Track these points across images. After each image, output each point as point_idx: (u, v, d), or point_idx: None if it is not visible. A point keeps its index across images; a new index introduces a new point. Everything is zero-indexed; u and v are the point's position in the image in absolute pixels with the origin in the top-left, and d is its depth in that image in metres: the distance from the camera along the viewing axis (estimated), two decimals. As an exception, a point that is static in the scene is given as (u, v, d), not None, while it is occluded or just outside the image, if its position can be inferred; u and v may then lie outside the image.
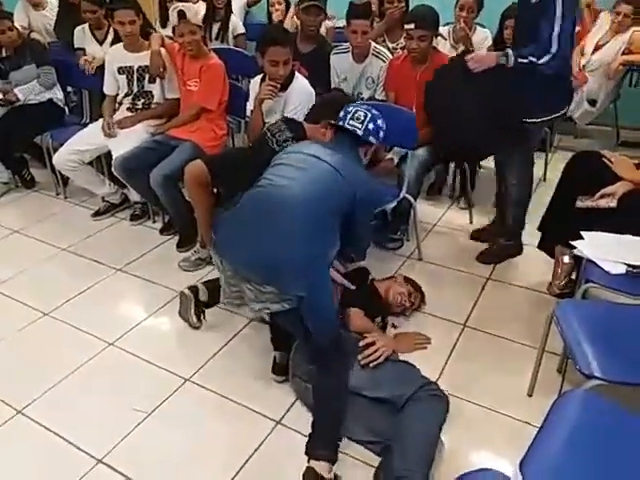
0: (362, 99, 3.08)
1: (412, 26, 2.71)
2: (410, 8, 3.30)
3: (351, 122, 1.99)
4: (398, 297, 2.34)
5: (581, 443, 1.29)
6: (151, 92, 3.26)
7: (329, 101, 2.48)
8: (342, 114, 2.03)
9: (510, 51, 2.37)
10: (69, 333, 2.39)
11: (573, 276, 2.43)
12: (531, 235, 2.67)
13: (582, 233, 2.05)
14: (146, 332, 2.41)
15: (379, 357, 1.89)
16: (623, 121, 4.15)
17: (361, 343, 1.95)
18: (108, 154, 3.17)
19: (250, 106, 2.83)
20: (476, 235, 3.02)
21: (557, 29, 2.26)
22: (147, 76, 3.21)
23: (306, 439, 1.76)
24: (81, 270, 2.85)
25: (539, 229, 2.54)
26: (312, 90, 2.80)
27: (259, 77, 2.84)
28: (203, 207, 2.39)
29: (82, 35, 3.67)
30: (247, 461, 1.79)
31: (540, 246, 2.57)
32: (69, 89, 3.97)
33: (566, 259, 2.40)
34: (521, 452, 1.24)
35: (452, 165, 3.48)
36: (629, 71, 3.91)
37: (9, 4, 4.20)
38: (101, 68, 3.38)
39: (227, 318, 2.45)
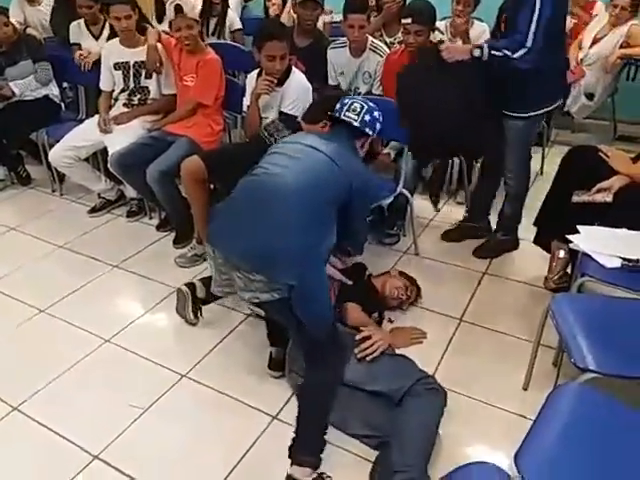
0: (359, 94, 3.07)
1: (409, 20, 2.70)
2: (407, 2, 3.29)
3: (347, 114, 1.98)
4: (395, 291, 2.34)
5: (576, 435, 1.30)
6: (147, 88, 3.25)
7: (326, 100, 2.47)
8: (338, 106, 2.02)
9: (485, 44, 2.37)
10: (65, 330, 2.39)
11: (569, 270, 2.44)
12: (527, 230, 2.67)
13: (578, 227, 2.05)
14: (142, 328, 2.41)
15: (375, 351, 1.89)
16: (621, 115, 4.15)
17: (357, 337, 1.95)
18: (104, 150, 3.16)
19: (247, 101, 2.82)
20: (445, 237, 3.00)
21: (535, 23, 2.21)
22: (143, 72, 3.20)
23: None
24: (77, 267, 2.85)
25: (535, 224, 2.55)
26: (309, 85, 2.79)
27: (256, 72, 2.83)
28: (199, 203, 2.39)
29: (78, 30, 3.65)
30: (244, 456, 1.79)
31: (536, 241, 2.58)
32: (65, 85, 3.96)
33: (562, 254, 2.41)
34: (517, 445, 1.25)
35: (450, 161, 3.48)
36: (627, 65, 3.90)
37: (4, -1, 4.19)
38: (97, 64, 3.37)
39: (224, 314, 2.45)
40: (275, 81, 2.65)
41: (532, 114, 2.48)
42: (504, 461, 1.59)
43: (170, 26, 2.97)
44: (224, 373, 2.12)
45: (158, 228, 3.19)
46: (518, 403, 1.95)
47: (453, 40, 3.46)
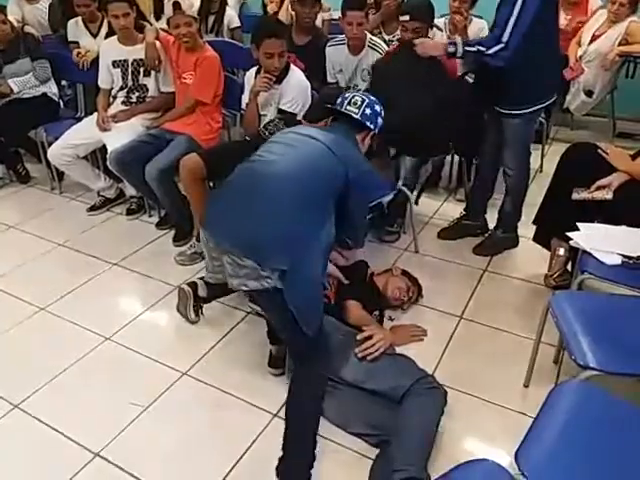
0: (358, 91, 3.07)
1: (407, 18, 2.70)
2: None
3: (348, 107, 1.97)
4: (396, 292, 2.34)
5: (576, 433, 1.30)
6: (146, 85, 3.24)
7: (327, 97, 2.47)
8: (339, 100, 2.01)
9: (459, 39, 2.37)
10: (65, 328, 2.39)
11: (569, 268, 2.44)
12: (527, 227, 2.67)
13: (578, 224, 2.05)
14: (143, 326, 2.41)
15: (376, 351, 1.89)
16: (620, 112, 4.15)
17: (358, 337, 1.95)
18: (103, 148, 3.16)
19: (245, 99, 2.82)
20: (441, 235, 3.00)
21: (513, 20, 2.20)
22: (142, 69, 3.19)
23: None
24: (77, 265, 2.85)
25: (534, 222, 2.54)
26: (308, 83, 2.79)
27: (254, 69, 2.83)
28: (198, 201, 2.40)
29: (75, 28, 3.65)
30: (245, 453, 1.80)
31: (535, 239, 2.58)
32: (63, 83, 3.95)
33: (561, 251, 2.41)
34: (517, 442, 1.25)
35: (448, 158, 3.48)
36: (626, 62, 3.89)
37: (2, -3, 4.17)
38: (95, 62, 3.37)
39: (224, 312, 2.45)
40: (274, 78, 2.65)
41: (526, 111, 2.47)
42: (505, 458, 1.59)
43: (168, 24, 2.97)
44: (224, 371, 2.12)
45: (158, 226, 3.18)
46: (519, 400, 1.96)
47: (452, 37, 3.47)
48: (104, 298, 2.59)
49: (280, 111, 2.70)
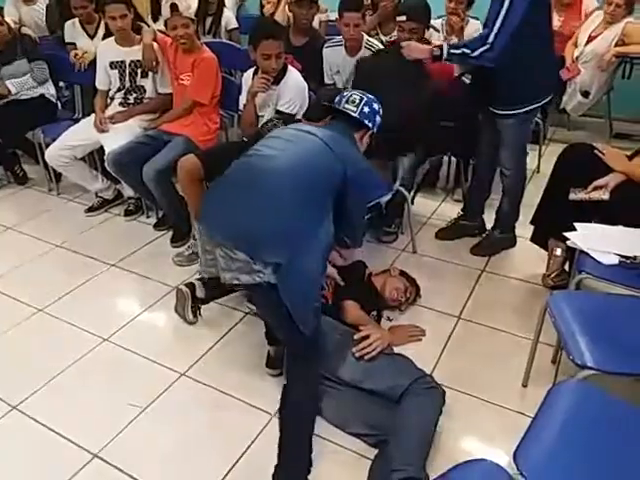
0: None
1: (404, 18, 2.71)
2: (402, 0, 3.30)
3: (346, 105, 1.97)
4: (394, 292, 2.34)
5: (575, 432, 1.31)
6: (143, 87, 3.24)
7: (326, 96, 2.47)
8: (337, 99, 2.01)
9: (445, 44, 2.38)
10: (63, 329, 2.39)
11: (567, 268, 2.45)
12: (525, 227, 2.68)
13: (575, 224, 2.05)
14: (141, 327, 2.41)
15: (373, 350, 1.89)
16: (616, 113, 4.16)
17: (356, 336, 1.95)
18: (101, 149, 3.16)
19: (243, 100, 2.82)
20: (438, 235, 3.00)
21: (500, 21, 2.20)
22: (139, 71, 3.19)
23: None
24: (75, 266, 2.84)
25: (531, 222, 2.55)
26: (305, 84, 2.79)
27: (252, 70, 2.83)
28: (196, 201, 2.39)
29: (72, 30, 3.65)
30: (243, 454, 1.80)
31: (533, 239, 2.58)
32: (61, 84, 3.95)
33: (559, 251, 2.42)
34: (515, 442, 1.25)
35: (446, 158, 3.49)
36: (622, 63, 3.91)
37: (-1, -1, 4.18)
38: (93, 63, 3.37)
39: (222, 313, 2.45)
40: (271, 79, 2.65)
41: (520, 111, 2.48)
42: (503, 458, 1.60)
43: (166, 25, 2.97)
44: (223, 372, 2.12)
45: (155, 227, 3.18)
46: (517, 400, 1.96)
47: (449, 38, 3.48)
48: (102, 299, 2.59)
49: (278, 112, 2.70)
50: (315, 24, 3.62)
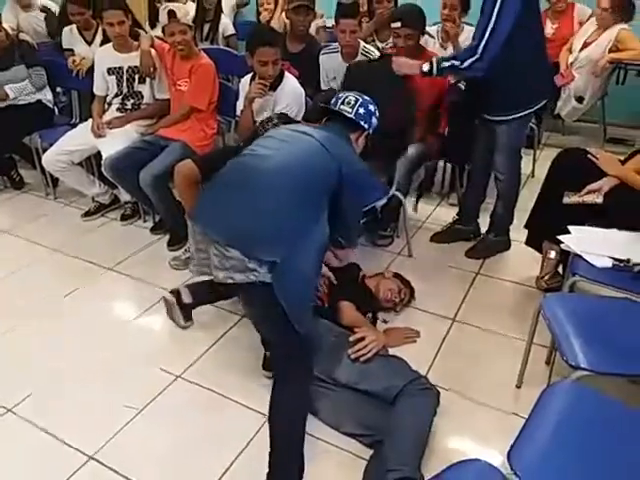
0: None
1: (398, 24, 2.74)
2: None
3: (342, 106, 1.98)
4: (388, 293, 2.36)
5: (568, 433, 1.31)
6: (141, 92, 3.26)
7: (325, 98, 2.49)
8: (333, 100, 2.02)
9: (434, 59, 2.40)
10: (60, 331, 2.38)
11: (561, 270, 2.47)
12: (519, 231, 2.69)
13: (569, 228, 2.07)
14: (137, 330, 2.41)
15: (369, 352, 1.90)
16: (610, 118, 4.20)
17: (351, 338, 1.96)
18: (98, 154, 3.16)
19: (240, 105, 2.84)
20: (434, 239, 3.02)
21: (489, 31, 2.22)
22: (137, 77, 3.21)
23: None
24: (71, 270, 2.85)
25: (526, 226, 2.57)
26: (302, 90, 2.81)
27: (249, 76, 2.85)
28: (193, 206, 2.39)
29: (70, 36, 3.67)
30: (239, 455, 1.80)
31: (527, 242, 2.60)
32: (58, 89, 3.96)
33: (552, 254, 2.44)
34: (509, 442, 1.26)
35: (441, 163, 3.51)
36: (616, 69, 3.94)
37: (-3, 5, 4.20)
38: (91, 69, 3.38)
39: (218, 315, 2.45)
40: (268, 84, 2.67)
41: (514, 117, 2.50)
42: (497, 458, 1.60)
43: (163, 31, 2.99)
44: (219, 374, 2.13)
45: (152, 231, 3.19)
46: (511, 401, 1.97)
47: (444, 45, 3.51)
48: (98, 303, 2.59)
49: (278, 114, 2.71)
50: (312, 30, 3.64)
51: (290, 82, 2.79)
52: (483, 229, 2.96)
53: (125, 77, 3.22)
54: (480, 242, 2.91)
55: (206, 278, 2.19)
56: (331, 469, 1.75)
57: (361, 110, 1.98)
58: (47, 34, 4.17)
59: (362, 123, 1.99)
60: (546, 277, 2.50)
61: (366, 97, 2.03)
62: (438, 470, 1.26)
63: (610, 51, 3.77)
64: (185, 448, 1.83)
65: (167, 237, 3.06)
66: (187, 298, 2.31)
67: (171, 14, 2.87)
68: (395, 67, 2.50)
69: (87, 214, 3.37)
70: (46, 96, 3.64)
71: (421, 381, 1.82)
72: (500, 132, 2.56)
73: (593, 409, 1.41)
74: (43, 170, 3.44)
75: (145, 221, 3.30)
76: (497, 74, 2.30)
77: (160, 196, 2.94)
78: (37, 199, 3.66)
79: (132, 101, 3.27)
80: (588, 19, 3.97)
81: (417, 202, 3.29)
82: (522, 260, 2.73)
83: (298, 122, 2.33)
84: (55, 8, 4.28)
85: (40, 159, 3.35)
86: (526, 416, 1.35)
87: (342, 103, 1.99)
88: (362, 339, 1.94)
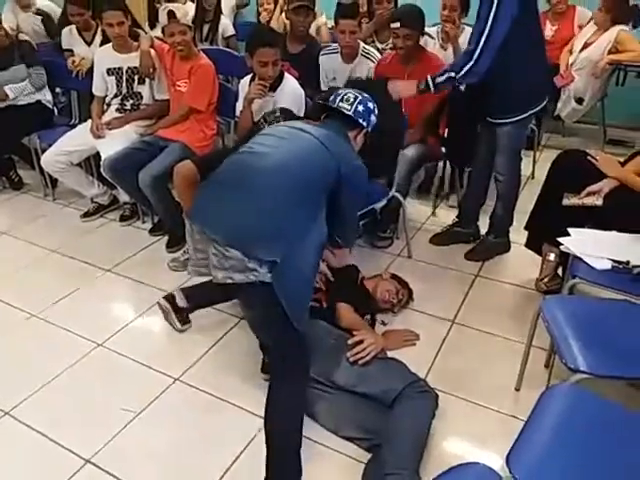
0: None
1: (397, 25, 2.74)
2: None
3: (340, 104, 1.96)
4: (386, 294, 2.35)
5: (567, 435, 1.31)
6: (140, 93, 3.26)
7: (322, 98, 2.48)
8: (332, 97, 2.00)
9: (429, 76, 2.39)
10: (58, 334, 2.38)
11: (560, 272, 2.46)
12: (519, 233, 2.69)
13: (569, 230, 2.07)
14: (135, 332, 2.40)
15: (367, 355, 1.90)
16: (610, 119, 4.19)
17: (350, 341, 1.95)
18: (97, 155, 3.16)
19: (240, 106, 2.83)
20: (433, 241, 3.01)
21: (485, 36, 2.21)
22: (136, 77, 3.21)
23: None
24: (70, 271, 2.84)
25: (526, 228, 2.57)
26: (302, 90, 2.81)
27: (248, 77, 2.85)
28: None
29: (69, 36, 3.67)
30: (237, 458, 1.79)
31: (527, 244, 2.60)
32: (57, 90, 3.96)
33: (552, 256, 2.43)
34: (508, 445, 1.25)
35: (441, 164, 3.50)
36: (616, 70, 3.94)
37: (-3, 5, 4.20)
38: (90, 69, 3.38)
39: (217, 318, 2.45)
40: (268, 85, 2.67)
41: (517, 118, 2.50)
42: (496, 462, 1.60)
43: (163, 32, 2.98)
44: (217, 376, 2.12)
45: (151, 232, 3.19)
46: (510, 404, 1.96)
47: (444, 46, 3.50)
48: (97, 304, 2.59)
49: (282, 108, 2.70)
50: (312, 30, 3.63)
51: (290, 83, 2.78)
52: (483, 231, 2.95)
53: (124, 78, 3.21)
54: (480, 244, 2.90)
55: (204, 279, 2.19)
56: (329, 473, 1.74)
57: (360, 108, 1.96)
58: (46, 35, 4.17)
59: (361, 121, 1.97)
60: (545, 279, 2.49)
61: (365, 94, 2.02)
62: (437, 474, 1.25)
63: (610, 52, 3.77)
64: (183, 451, 1.83)
65: (166, 238, 3.05)
66: (182, 302, 2.30)
67: (171, 14, 2.87)
68: (391, 91, 2.48)
69: (86, 215, 3.37)
70: (45, 96, 3.64)
71: (420, 384, 1.81)
72: (501, 134, 2.56)
73: (592, 412, 1.40)
74: (42, 171, 3.44)
75: (144, 222, 3.30)
76: (495, 77, 2.30)
77: (159, 197, 2.94)
78: (36, 200, 3.65)
79: (131, 102, 3.27)
80: (589, 21, 3.97)
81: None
82: (522, 262, 2.72)
83: (300, 118, 2.32)
84: (54, 10, 4.27)
85: (39, 160, 3.34)
86: (525, 419, 1.34)
87: (341, 100, 1.96)
88: (361, 342, 1.93)
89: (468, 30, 3.54)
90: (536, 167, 3.69)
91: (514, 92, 2.41)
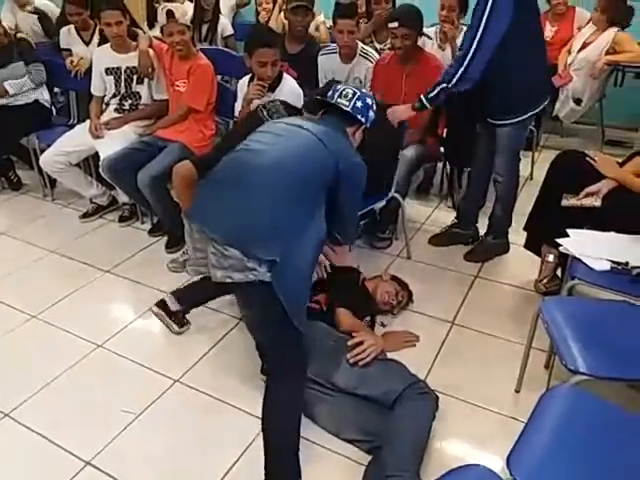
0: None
1: (395, 24, 2.74)
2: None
3: (339, 99, 1.94)
4: (385, 295, 2.35)
5: (567, 437, 1.31)
6: (139, 93, 3.25)
7: (320, 93, 2.47)
8: (330, 92, 1.98)
9: (422, 95, 2.41)
10: (57, 335, 2.38)
11: (559, 273, 2.47)
12: (518, 234, 2.69)
13: (568, 231, 2.07)
14: (135, 334, 2.40)
15: (367, 356, 1.89)
16: (609, 120, 4.20)
17: (349, 343, 1.95)
18: (96, 155, 3.15)
19: (238, 106, 2.83)
20: (432, 242, 3.01)
21: (477, 40, 2.21)
22: (135, 77, 3.20)
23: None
24: (69, 272, 2.84)
25: (525, 229, 2.57)
26: (300, 91, 2.81)
27: (247, 77, 2.85)
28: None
29: (68, 36, 3.66)
30: (237, 460, 1.79)
31: (526, 245, 2.60)
32: (56, 90, 3.95)
33: (550, 257, 2.43)
34: (509, 447, 1.26)
35: (440, 165, 3.51)
36: (614, 71, 3.95)
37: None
38: (89, 69, 3.37)
39: (216, 319, 2.45)
40: (266, 85, 2.67)
41: (518, 119, 2.50)
42: (496, 463, 1.60)
43: (162, 31, 2.98)
44: (217, 378, 2.12)
45: (150, 233, 3.18)
46: (510, 405, 1.97)
47: (442, 46, 3.50)
48: (96, 305, 2.58)
49: (282, 100, 2.69)
50: (312, 29, 3.63)
51: (289, 83, 2.78)
52: (482, 232, 2.95)
53: (123, 77, 3.21)
54: (479, 245, 2.90)
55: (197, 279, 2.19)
56: (329, 475, 1.74)
57: (358, 104, 1.95)
58: (44, 34, 4.16)
59: (359, 117, 1.96)
60: (545, 280, 2.49)
61: (364, 90, 2.02)
62: (437, 475, 1.25)
63: (607, 53, 3.78)
64: (183, 453, 1.83)
65: (165, 239, 3.05)
66: (174, 306, 2.30)
67: (169, 14, 2.87)
68: (391, 117, 2.51)
69: (85, 216, 3.36)
70: (43, 96, 3.63)
71: (420, 385, 1.81)
72: (501, 134, 2.56)
73: (592, 414, 1.40)
74: (41, 171, 3.44)
75: (143, 223, 3.29)
76: (495, 76, 2.30)
77: (158, 197, 2.93)
78: (35, 200, 3.64)
79: (130, 102, 3.26)
80: (588, 22, 3.98)
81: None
82: (521, 263, 2.73)
83: (300, 111, 2.30)
84: (51, 9, 4.26)
85: (38, 160, 3.34)
86: (525, 420, 1.35)
87: (339, 96, 1.95)
88: (361, 343, 1.93)
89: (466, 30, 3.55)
90: (535, 168, 3.70)
91: (514, 92, 2.41)
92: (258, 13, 4.38)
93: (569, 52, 3.98)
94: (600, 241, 2.03)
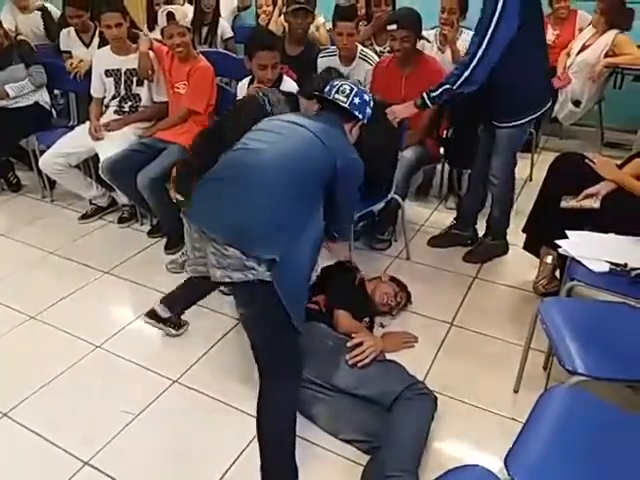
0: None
1: (394, 27, 2.75)
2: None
3: (336, 95, 1.94)
4: (384, 297, 2.36)
5: (565, 437, 1.31)
6: (139, 95, 3.26)
7: (323, 75, 2.47)
8: (327, 88, 1.98)
9: (424, 93, 2.40)
10: (56, 336, 2.38)
11: (557, 274, 2.47)
12: (517, 235, 2.70)
13: (567, 232, 2.07)
14: (134, 334, 2.40)
15: (366, 357, 1.89)
16: (608, 122, 4.21)
17: (349, 344, 1.95)
18: (95, 157, 3.16)
19: (238, 108, 2.83)
20: (431, 243, 3.02)
21: (485, 44, 2.21)
22: (135, 79, 3.21)
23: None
24: (68, 273, 2.84)
25: (524, 230, 2.57)
26: (300, 92, 2.81)
27: (247, 80, 2.86)
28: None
29: (68, 38, 3.66)
30: (235, 460, 1.79)
31: (525, 247, 2.60)
32: (56, 92, 3.96)
33: (549, 259, 2.44)
34: (507, 447, 1.26)
35: (439, 167, 3.52)
36: (614, 73, 3.96)
37: (-5, 7, 4.20)
38: (89, 71, 3.38)
39: (215, 320, 2.45)
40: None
41: (522, 122, 2.51)
42: (495, 464, 1.59)
43: (162, 34, 2.99)
44: (215, 378, 2.12)
45: (149, 234, 3.18)
46: (509, 406, 1.97)
47: (442, 48, 3.51)
48: (95, 306, 2.58)
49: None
50: (312, 30, 3.64)
51: (288, 85, 2.78)
52: (480, 233, 2.95)
53: (123, 79, 3.22)
54: (478, 246, 2.91)
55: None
56: (327, 475, 1.74)
57: (356, 100, 1.94)
58: (46, 35, 4.17)
59: (357, 113, 1.96)
60: (543, 281, 2.49)
61: (362, 87, 2.01)
62: (436, 476, 1.25)
63: (607, 55, 3.79)
64: (181, 453, 1.83)
65: (164, 241, 3.05)
66: (165, 313, 2.28)
67: (170, 16, 2.87)
68: (391, 116, 2.50)
69: (84, 217, 3.37)
70: (43, 98, 3.63)
71: (418, 386, 1.81)
72: (502, 135, 2.56)
73: (590, 414, 1.40)
74: (40, 172, 3.44)
75: (142, 224, 3.30)
76: (500, 79, 2.31)
77: (157, 199, 2.93)
78: (34, 202, 3.65)
79: (130, 103, 3.27)
80: (588, 24, 3.99)
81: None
82: (520, 264, 2.73)
83: (297, 98, 2.30)
84: (53, 11, 4.28)
85: (37, 161, 3.34)
86: (524, 421, 1.35)
87: (337, 92, 1.94)
88: (360, 344, 1.93)
89: (466, 33, 3.56)
90: (534, 170, 3.70)
91: (519, 95, 2.41)
92: (258, 16, 4.39)
93: (568, 54, 3.99)
94: (599, 243, 2.04)
